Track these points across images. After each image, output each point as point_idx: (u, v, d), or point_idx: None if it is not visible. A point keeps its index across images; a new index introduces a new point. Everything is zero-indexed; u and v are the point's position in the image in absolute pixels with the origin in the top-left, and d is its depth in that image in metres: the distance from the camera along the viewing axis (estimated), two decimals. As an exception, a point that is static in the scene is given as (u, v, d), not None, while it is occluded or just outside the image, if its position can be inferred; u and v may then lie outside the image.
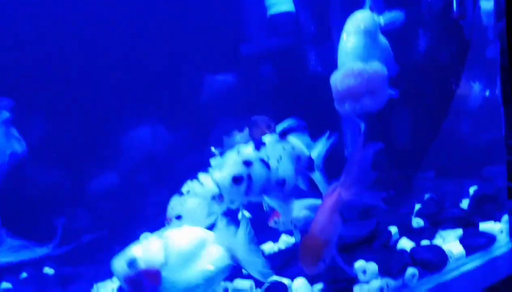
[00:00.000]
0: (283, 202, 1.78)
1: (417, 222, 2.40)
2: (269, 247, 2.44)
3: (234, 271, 2.13)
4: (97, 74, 2.58)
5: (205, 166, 2.49)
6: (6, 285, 2.31)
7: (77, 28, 2.48)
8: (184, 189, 2.34)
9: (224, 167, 1.60)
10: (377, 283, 1.86)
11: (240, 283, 1.98)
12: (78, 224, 2.78)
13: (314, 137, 1.92)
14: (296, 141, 1.79)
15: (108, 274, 2.31)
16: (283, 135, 1.74)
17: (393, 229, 2.26)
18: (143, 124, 2.83)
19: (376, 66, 1.81)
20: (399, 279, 1.91)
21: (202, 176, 2.42)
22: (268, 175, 1.64)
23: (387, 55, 1.95)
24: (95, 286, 2.23)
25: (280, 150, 1.70)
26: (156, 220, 2.20)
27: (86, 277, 2.33)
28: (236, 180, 1.58)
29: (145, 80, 2.72)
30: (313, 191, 1.90)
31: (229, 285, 1.98)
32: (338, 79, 1.81)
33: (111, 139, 2.73)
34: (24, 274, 2.39)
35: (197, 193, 2.34)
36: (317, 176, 1.84)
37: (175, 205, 2.27)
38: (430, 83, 2.86)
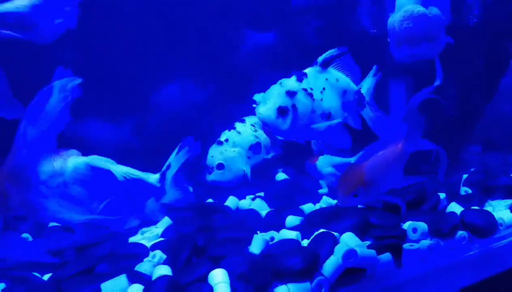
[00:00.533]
0: (330, 140, 1.74)
1: (465, 191, 2.35)
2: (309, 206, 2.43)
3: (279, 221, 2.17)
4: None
5: (242, 115, 2.52)
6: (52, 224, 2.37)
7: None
8: (222, 138, 2.35)
9: (268, 99, 1.57)
10: (426, 242, 1.85)
11: (286, 233, 1.99)
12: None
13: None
14: (341, 74, 1.72)
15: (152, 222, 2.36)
16: (324, 65, 1.67)
17: (441, 196, 2.23)
18: (185, 76, 2.85)
19: (436, 12, 1.75)
20: (449, 240, 1.89)
21: (239, 125, 2.43)
22: (313, 105, 1.60)
23: (444, 4, 1.88)
24: (140, 231, 2.27)
25: (323, 81, 1.65)
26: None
27: (131, 220, 2.36)
28: (282, 110, 1.55)
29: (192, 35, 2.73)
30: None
31: (275, 234, 1.99)
32: (397, 21, 1.75)
33: (155, 88, 2.77)
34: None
35: (235, 142, 2.35)
36: (367, 113, 1.77)
37: (215, 153, 2.28)
38: (482, 50, 2.79)
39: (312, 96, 1.60)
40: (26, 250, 1.54)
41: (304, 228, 2.05)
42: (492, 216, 2.01)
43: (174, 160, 1.65)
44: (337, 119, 1.64)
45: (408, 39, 1.74)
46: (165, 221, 2.30)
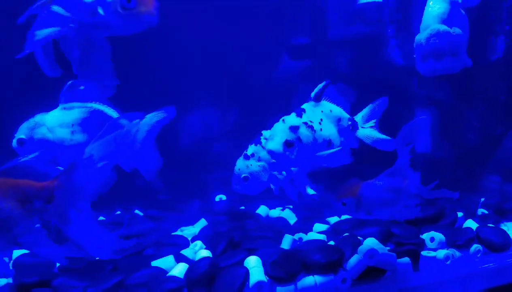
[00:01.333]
0: (332, 163, 1.92)
1: (481, 212, 2.51)
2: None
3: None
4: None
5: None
6: (101, 218, 2.62)
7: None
8: (249, 152, 2.58)
9: (275, 136, 1.81)
10: (443, 251, 2.01)
11: (314, 235, 2.18)
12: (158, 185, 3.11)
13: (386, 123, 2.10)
14: (333, 105, 1.95)
15: (189, 221, 2.59)
16: (317, 98, 1.91)
17: (459, 214, 2.39)
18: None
19: (458, 32, 1.98)
20: (464, 251, 2.05)
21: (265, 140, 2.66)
22: (314, 135, 1.82)
23: (465, 27, 2.09)
24: (179, 229, 2.49)
25: (319, 113, 1.88)
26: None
27: (171, 221, 2.59)
28: (288, 143, 1.77)
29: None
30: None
31: (303, 236, 2.18)
32: (423, 38, 1.98)
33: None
34: (118, 212, 2.71)
35: (261, 157, 2.58)
36: (363, 132, 1.98)
37: (242, 167, 2.51)
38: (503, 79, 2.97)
39: (313, 128, 1.84)
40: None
41: (330, 234, 2.24)
42: (507, 233, 2.16)
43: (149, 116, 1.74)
44: (337, 147, 1.87)
45: (434, 54, 1.95)
46: (202, 222, 2.53)
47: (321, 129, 1.86)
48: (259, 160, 2.53)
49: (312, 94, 1.91)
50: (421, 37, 1.98)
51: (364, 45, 2.96)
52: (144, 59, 2.70)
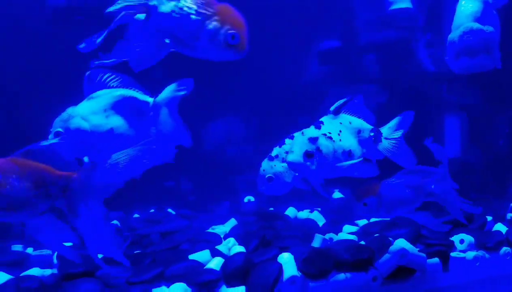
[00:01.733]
0: (356, 174, 1.95)
1: (510, 216, 2.51)
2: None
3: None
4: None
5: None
6: (135, 215, 2.73)
7: None
8: (273, 153, 2.64)
9: (295, 147, 1.85)
10: (472, 253, 2.03)
11: (344, 235, 2.23)
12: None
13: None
14: (353, 117, 1.99)
15: (220, 220, 2.66)
16: (336, 112, 1.96)
17: (488, 218, 2.41)
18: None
19: (490, 29, 2.00)
20: (494, 254, 2.07)
21: (289, 141, 2.73)
22: (334, 145, 1.86)
23: (497, 25, 2.11)
24: (210, 227, 2.57)
25: (338, 125, 1.92)
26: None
27: (202, 220, 2.68)
28: (308, 154, 1.81)
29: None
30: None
31: (334, 236, 2.23)
32: (457, 36, 2.00)
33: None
34: (152, 210, 2.81)
35: (284, 158, 2.64)
36: (384, 145, 1.99)
37: (266, 167, 2.57)
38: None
39: (332, 138, 1.88)
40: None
41: (360, 235, 2.29)
42: (537, 237, 2.17)
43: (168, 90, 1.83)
44: (357, 158, 1.89)
45: (467, 51, 1.98)
46: (231, 222, 2.60)
47: (340, 140, 1.89)
48: (283, 161, 2.60)
49: (331, 108, 1.97)
50: (454, 35, 2.00)
51: (394, 51, 3.01)
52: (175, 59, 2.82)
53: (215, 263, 1.83)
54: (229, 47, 1.57)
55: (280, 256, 1.87)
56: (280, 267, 1.77)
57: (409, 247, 1.95)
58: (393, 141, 1.99)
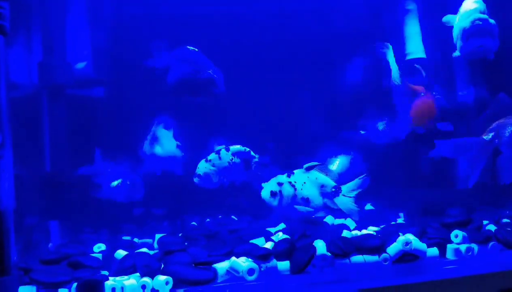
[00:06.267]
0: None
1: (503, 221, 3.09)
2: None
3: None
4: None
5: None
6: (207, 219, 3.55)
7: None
8: (209, 157, 3.36)
9: (265, 187, 2.83)
10: (465, 245, 2.65)
11: (367, 231, 2.91)
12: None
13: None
14: (321, 175, 2.85)
15: (272, 224, 3.40)
16: (307, 169, 2.86)
17: (485, 222, 3.01)
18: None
19: (494, 22, 2.67)
20: (483, 247, 2.67)
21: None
22: (294, 192, 2.76)
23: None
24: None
25: (304, 178, 2.81)
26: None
27: (258, 224, 3.43)
28: (272, 194, 2.76)
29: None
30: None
31: (358, 233, 2.91)
32: (468, 22, 2.67)
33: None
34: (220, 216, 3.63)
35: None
36: (339, 200, 2.85)
37: (201, 167, 3.33)
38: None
39: (295, 186, 2.77)
40: None
41: (379, 231, 2.96)
42: (521, 235, 2.75)
43: None
44: (316, 205, 2.83)
45: (477, 33, 2.63)
46: (281, 226, 3.33)
47: (301, 189, 2.81)
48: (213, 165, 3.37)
49: (305, 166, 2.88)
50: (464, 23, 2.65)
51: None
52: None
53: (268, 245, 2.57)
54: None
55: (315, 241, 2.58)
56: (315, 248, 2.48)
57: (412, 238, 2.60)
58: (349, 198, 2.86)
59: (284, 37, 3.78)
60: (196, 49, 3.17)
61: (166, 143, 3.33)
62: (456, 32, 2.75)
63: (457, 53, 2.78)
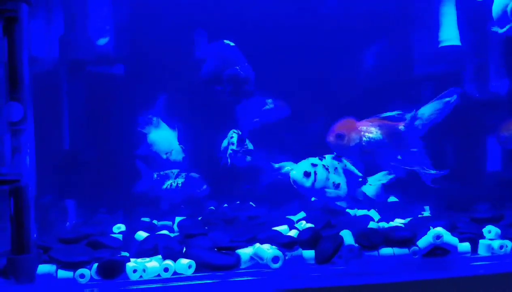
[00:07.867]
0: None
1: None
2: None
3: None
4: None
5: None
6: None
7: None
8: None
9: (298, 167, 2.64)
10: (498, 241, 2.53)
11: (394, 223, 2.80)
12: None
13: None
14: (349, 164, 2.73)
15: (291, 213, 3.31)
16: (337, 157, 2.74)
17: (519, 219, 2.88)
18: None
19: None
20: (517, 244, 2.55)
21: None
22: (327, 175, 2.63)
23: None
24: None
25: (335, 164, 2.69)
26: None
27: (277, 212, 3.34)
28: (306, 174, 2.57)
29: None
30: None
31: (386, 225, 2.80)
32: (509, 7, 2.61)
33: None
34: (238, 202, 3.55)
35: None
36: (366, 188, 2.72)
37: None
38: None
39: (328, 170, 2.64)
40: None
41: (408, 224, 2.84)
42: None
43: None
44: (343, 192, 2.68)
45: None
46: (301, 214, 3.23)
47: (333, 174, 2.69)
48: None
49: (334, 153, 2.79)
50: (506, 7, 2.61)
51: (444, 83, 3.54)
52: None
53: (293, 233, 2.47)
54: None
55: (342, 231, 2.48)
56: (342, 238, 2.38)
57: (444, 232, 2.49)
58: (375, 187, 2.74)
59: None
60: (232, 44, 3.06)
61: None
62: (497, 7, 2.67)
63: (496, 29, 2.70)
